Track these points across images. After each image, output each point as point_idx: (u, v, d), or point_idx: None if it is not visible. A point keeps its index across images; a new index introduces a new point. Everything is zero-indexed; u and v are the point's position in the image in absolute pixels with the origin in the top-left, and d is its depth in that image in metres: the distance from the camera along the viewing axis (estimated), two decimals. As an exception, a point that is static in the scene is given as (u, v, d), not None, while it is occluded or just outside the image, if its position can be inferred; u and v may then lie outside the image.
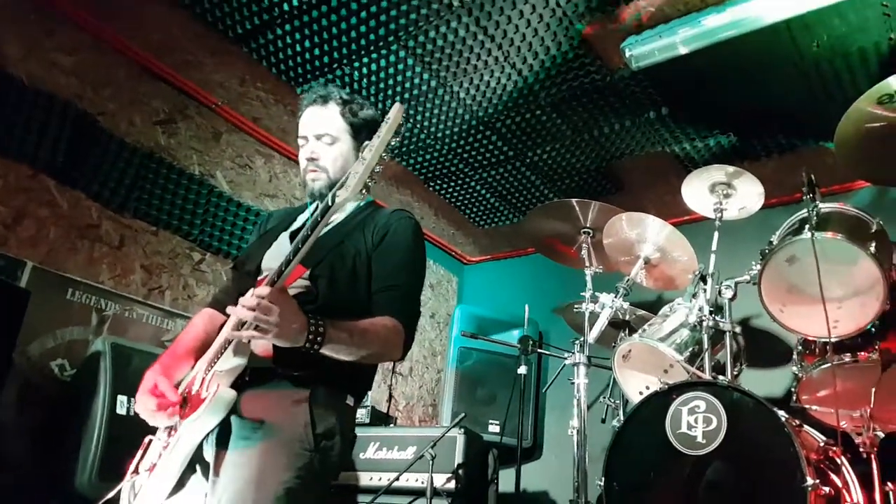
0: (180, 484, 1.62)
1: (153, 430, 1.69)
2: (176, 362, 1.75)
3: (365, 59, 3.18)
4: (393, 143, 1.47)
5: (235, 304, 1.77)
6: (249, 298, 1.45)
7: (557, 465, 3.97)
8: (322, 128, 1.87)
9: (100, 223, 3.08)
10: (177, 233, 3.37)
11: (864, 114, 2.41)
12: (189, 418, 1.56)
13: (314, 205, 1.93)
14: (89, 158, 3.03)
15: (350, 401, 1.72)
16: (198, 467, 1.63)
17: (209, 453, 1.60)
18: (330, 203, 1.47)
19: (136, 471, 1.67)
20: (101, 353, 2.62)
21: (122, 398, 2.54)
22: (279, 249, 1.82)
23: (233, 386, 1.57)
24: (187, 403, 1.64)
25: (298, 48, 3.14)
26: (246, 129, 3.74)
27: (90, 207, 3.04)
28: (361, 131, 1.88)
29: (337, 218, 1.83)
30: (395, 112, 1.49)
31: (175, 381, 1.69)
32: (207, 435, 1.60)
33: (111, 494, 1.68)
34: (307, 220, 1.84)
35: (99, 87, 3.11)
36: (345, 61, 3.20)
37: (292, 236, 1.83)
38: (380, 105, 3.48)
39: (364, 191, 1.46)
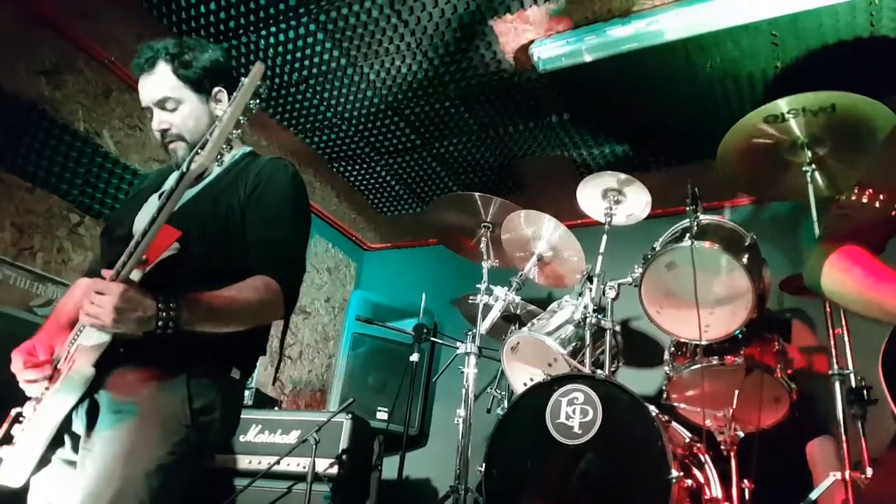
0: (46, 458, 1.52)
1: (21, 402, 1.57)
2: (58, 331, 1.63)
3: (273, 29, 3.08)
4: (251, 105, 1.38)
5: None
6: (86, 295, 1.38)
7: (442, 453, 4.01)
8: (159, 93, 1.70)
9: (-31, 175, 2.82)
10: (55, 191, 3.14)
11: (749, 130, 2.59)
12: (48, 392, 1.48)
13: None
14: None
15: (235, 373, 1.63)
16: (67, 441, 1.52)
17: (80, 427, 1.50)
18: (185, 170, 1.39)
19: (0, 443, 1.54)
20: (-39, 315, 2.41)
21: (-21, 363, 2.34)
22: (149, 211, 1.68)
23: (105, 359, 1.46)
24: (54, 374, 1.53)
25: (202, 9, 2.99)
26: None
27: (-41, 157, 2.79)
28: (203, 81, 1.73)
29: (211, 172, 1.73)
30: (255, 72, 1.40)
31: (54, 348, 1.59)
32: (76, 408, 1.49)
33: None
34: (177, 180, 1.75)
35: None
36: (251, 28, 3.08)
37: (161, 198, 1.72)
38: (285, 77, 3.38)
39: (222, 151, 1.39)
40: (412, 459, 3.56)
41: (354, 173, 4.27)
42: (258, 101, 1.39)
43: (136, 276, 1.44)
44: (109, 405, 1.47)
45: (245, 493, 2.90)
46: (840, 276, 1.30)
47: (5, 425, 1.57)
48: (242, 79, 1.39)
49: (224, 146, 1.38)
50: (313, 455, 2.86)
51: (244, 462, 3.02)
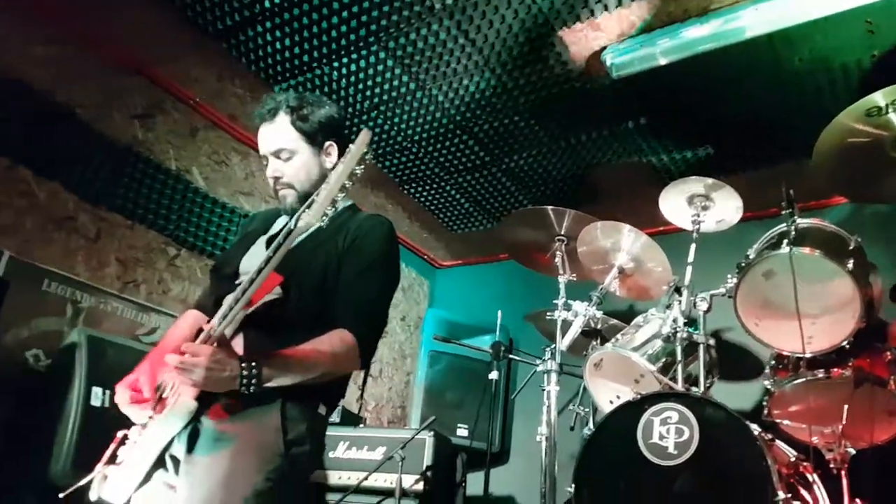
0: (148, 477, 1.62)
1: (128, 424, 1.69)
2: (163, 361, 1.72)
3: (344, 59, 3.14)
4: (357, 171, 1.45)
5: (215, 308, 1.76)
6: (176, 356, 1.47)
7: (524, 471, 3.97)
8: (276, 143, 1.82)
9: (76, 215, 3.05)
10: (152, 227, 3.34)
11: (846, 128, 2.41)
12: (154, 420, 1.59)
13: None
14: (67, 151, 3.01)
15: (322, 410, 1.71)
16: (168, 463, 1.61)
17: (180, 451, 1.59)
18: (293, 227, 1.46)
19: (107, 462, 1.67)
20: (77, 344, 2.61)
21: (96, 390, 2.53)
22: (256, 252, 1.80)
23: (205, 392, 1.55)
24: (159, 404, 1.64)
25: (278, 46, 3.09)
26: (223, 125, 3.69)
27: (67, 200, 3.02)
28: (317, 135, 1.85)
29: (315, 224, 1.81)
30: (361, 139, 1.46)
31: (160, 378, 1.70)
32: (178, 434, 1.59)
33: (81, 483, 1.69)
34: (281, 229, 1.83)
35: (77, 80, 3.06)
36: (324, 61, 3.15)
37: (269, 242, 1.81)
38: (357, 106, 3.44)
39: (327, 212, 1.45)
40: (495, 476, 3.54)
41: (424, 193, 4.29)
42: (363, 167, 1.45)
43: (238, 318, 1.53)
44: (210, 432, 1.55)
45: (337, 507, 2.95)
46: None
47: (112, 446, 1.69)
48: (350, 145, 1.45)
49: (329, 207, 1.44)
50: (400, 471, 2.90)
51: (334, 478, 3.10)
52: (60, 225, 2.98)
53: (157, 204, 3.34)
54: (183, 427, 1.56)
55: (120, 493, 1.61)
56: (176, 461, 1.59)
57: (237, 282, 1.77)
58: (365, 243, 1.75)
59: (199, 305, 1.93)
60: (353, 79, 3.25)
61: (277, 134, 1.82)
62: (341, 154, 1.85)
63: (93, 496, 1.65)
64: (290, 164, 1.81)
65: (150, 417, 1.61)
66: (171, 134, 3.46)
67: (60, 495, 1.74)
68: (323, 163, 1.85)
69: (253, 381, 1.48)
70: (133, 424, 1.67)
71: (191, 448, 1.56)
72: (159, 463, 1.61)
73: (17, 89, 2.81)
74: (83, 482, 1.68)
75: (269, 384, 1.52)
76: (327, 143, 1.86)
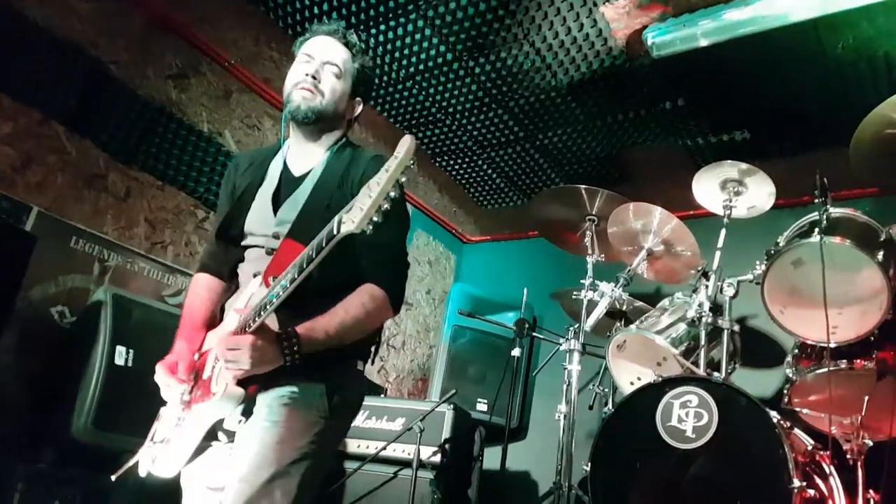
0: (199, 450, 1.68)
1: (151, 384, 1.72)
2: (197, 333, 1.80)
3: (382, 27, 3.14)
4: (401, 180, 1.39)
5: (226, 272, 1.84)
6: (222, 346, 1.55)
7: (542, 447, 4.00)
8: (335, 57, 1.82)
9: (107, 174, 3.06)
10: (182, 189, 3.35)
11: (885, 119, 2.38)
12: (200, 405, 1.64)
13: (286, 144, 1.89)
14: (100, 108, 3.00)
15: (360, 365, 1.76)
16: (219, 434, 1.66)
17: (232, 424, 1.64)
18: (335, 232, 1.41)
19: (152, 439, 1.74)
20: (103, 302, 2.62)
21: (120, 349, 2.55)
22: (260, 213, 1.78)
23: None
24: (197, 383, 1.69)
25: (315, 11, 3.09)
26: (257, 89, 3.70)
27: (98, 157, 3.02)
28: (360, 85, 1.87)
29: (313, 170, 1.80)
30: (406, 147, 1.39)
31: (195, 353, 1.76)
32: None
33: (131, 462, 1.76)
34: (283, 169, 1.82)
35: (114, 37, 3.07)
36: (361, 27, 3.15)
37: (274, 199, 1.79)
38: (393, 75, 3.44)
39: (370, 225, 1.38)
40: (512, 452, 3.57)
41: (456, 167, 4.29)
42: (406, 178, 1.39)
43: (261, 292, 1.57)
44: (261, 399, 1.60)
45: (354, 475, 3.02)
46: None
47: (156, 424, 1.77)
48: (396, 152, 1.39)
49: (376, 215, 1.38)
50: (418, 442, 2.94)
51: (353, 446, 3.14)
52: (90, 183, 2.99)
53: (188, 166, 3.34)
54: (232, 410, 1.61)
55: (170, 469, 1.68)
56: (229, 433, 1.65)
57: (243, 243, 1.79)
58: None
59: (207, 268, 1.92)
60: (389, 46, 3.25)
61: (339, 53, 1.83)
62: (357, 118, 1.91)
63: (142, 471, 1.73)
64: (335, 80, 1.81)
65: (188, 397, 1.68)
66: (205, 96, 3.47)
67: (112, 477, 1.81)
68: (347, 109, 1.86)
69: (296, 355, 1.54)
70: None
71: (244, 413, 1.62)
72: (212, 434, 1.66)
73: (52, 44, 2.81)
74: (132, 462, 1.75)
75: (310, 352, 1.56)
76: (358, 98, 1.89)
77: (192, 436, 1.65)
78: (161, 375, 1.69)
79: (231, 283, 1.85)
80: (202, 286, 1.90)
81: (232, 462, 1.56)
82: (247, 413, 1.61)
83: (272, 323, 1.59)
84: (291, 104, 1.78)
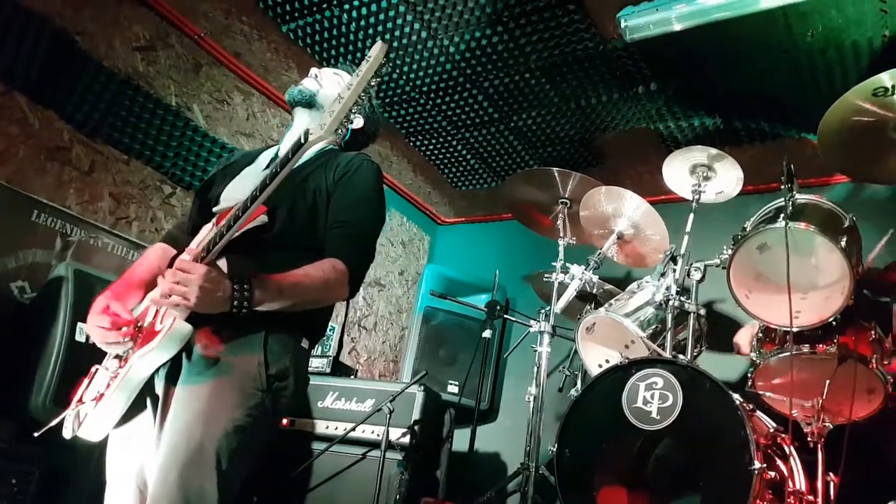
0: (127, 416, 1.60)
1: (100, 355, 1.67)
2: (127, 290, 1.73)
3: (355, 3, 3.08)
4: (373, 84, 1.45)
5: (190, 235, 1.77)
6: (170, 272, 1.46)
7: (511, 429, 4.04)
8: (340, 72, 1.98)
9: (71, 146, 2.99)
10: (149, 163, 3.28)
11: (852, 107, 2.41)
12: (141, 350, 1.54)
13: (284, 140, 1.91)
14: (65, 79, 2.92)
15: (305, 343, 1.71)
16: (147, 400, 1.60)
17: (159, 387, 1.59)
18: (303, 140, 1.44)
19: (80, 400, 1.65)
20: (64, 278, 2.57)
21: (81, 325, 2.49)
22: (242, 183, 1.79)
23: (187, 321, 1.53)
24: (140, 334, 1.62)
25: (288, -16, 3.03)
26: (227, 63, 3.62)
27: (62, 129, 2.95)
28: (362, 104, 1.89)
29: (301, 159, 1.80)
30: (377, 51, 1.45)
31: (127, 308, 1.67)
32: (158, 369, 1.57)
33: (55, 422, 1.66)
34: (274, 156, 1.84)
35: (80, 6, 2.98)
36: (334, 2, 3.10)
37: (269, 166, 1.80)
38: (366, 51, 3.31)
39: (339, 130, 1.45)
40: (482, 433, 3.60)
41: (431, 147, 4.26)
42: (378, 80, 1.46)
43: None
44: (191, 366, 1.54)
45: (322, 456, 3.01)
46: None
47: (85, 381, 1.68)
48: (367, 56, 1.45)
49: (343, 122, 1.45)
50: (387, 424, 2.93)
51: (322, 427, 3.13)
52: (54, 155, 2.91)
53: (155, 140, 3.26)
54: (176, 353, 1.54)
55: (98, 431, 1.60)
56: (155, 400, 1.58)
57: (214, 209, 1.76)
58: (356, 178, 1.76)
59: (171, 238, 1.91)
60: (363, 23, 3.19)
61: (343, 70, 1.99)
62: (356, 133, 1.98)
63: (66, 434, 1.63)
64: (334, 80, 1.92)
65: (130, 349, 1.59)
66: (174, 69, 3.39)
67: (35, 434, 1.71)
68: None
69: (245, 302, 1.47)
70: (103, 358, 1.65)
71: (171, 379, 1.56)
72: (141, 400, 1.59)
73: (15, 12, 2.73)
74: (56, 421, 1.65)
75: (260, 307, 1.51)
76: (357, 115, 1.92)
77: (124, 392, 1.56)
78: (95, 320, 1.60)
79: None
80: (154, 250, 1.88)
81: (158, 430, 1.52)
82: (175, 374, 1.55)
83: (223, 268, 1.54)
84: (288, 91, 1.92)
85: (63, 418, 1.65)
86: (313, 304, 1.66)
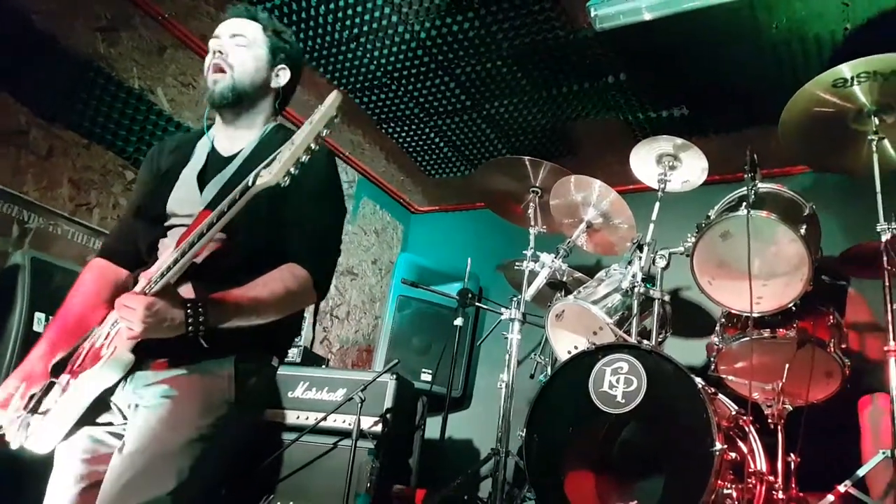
0: (74, 430, 1.57)
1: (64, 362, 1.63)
2: (64, 336, 1.67)
3: (324, -14, 3.05)
4: (324, 133, 1.34)
5: (139, 255, 1.71)
6: (117, 304, 1.43)
7: (484, 416, 4.07)
8: (240, 30, 1.74)
9: (28, 130, 2.90)
10: (110, 148, 3.20)
11: (813, 97, 2.47)
12: (84, 373, 1.53)
13: (211, 131, 1.81)
14: (21, 61, 2.82)
15: (275, 362, 1.68)
16: (113, 406, 1.58)
17: (123, 396, 1.56)
18: (249, 185, 1.35)
19: (28, 408, 1.59)
20: (20, 266, 2.50)
21: (39, 315, 2.44)
22: (185, 192, 1.69)
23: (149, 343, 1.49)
24: (87, 356, 1.59)
25: (256, -35, 2.99)
26: (192, 45, 3.54)
27: (18, 112, 2.85)
28: (278, 52, 1.77)
29: (243, 150, 1.72)
30: (331, 101, 1.35)
31: (67, 352, 1.63)
32: (121, 381, 1.54)
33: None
34: (210, 152, 1.74)
35: (35, -17, 2.88)
36: (304, -14, 3.06)
37: (200, 179, 1.70)
38: (336, 35, 3.35)
39: (286, 177, 1.33)
40: (454, 421, 3.61)
41: (403, 134, 4.24)
42: (329, 131, 1.35)
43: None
44: (154, 385, 1.51)
45: (293, 446, 2.99)
46: None
47: (38, 392, 1.62)
48: (320, 105, 1.35)
49: (293, 168, 1.33)
50: (359, 413, 2.93)
51: (292, 417, 3.10)
52: (10, 140, 2.82)
53: (117, 124, 3.17)
54: (119, 380, 1.52)
55: (45, 443, 1.56)
56: (118, 408, 1.56)
57: (166, 224, 1.68)
58: (310, 171, 1.55)
59: (109, 251, 1.80)
60: (332, 6, 3.16)
61: (245, 25, 1.75)
62: (289, 87, 1.81)
63: (13, 444, 1.58)
64: (242, 50, 1.71)
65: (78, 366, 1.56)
66: (137, 51, 3.30)
67: None
68: (269, 79, 1.76)
69: (200, 325, 1.43)
70: (62, 368, 1.61)
71: (138, 387, 1.53)
72: (87, 416, 1.56)
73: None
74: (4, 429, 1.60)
75: (221, 326, 1.47)
76: (282, 66, 1.78)
77: (71, 409, 1.54)
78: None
79: (145, 264, 1.68)
80: (89, 274, 1.76)
81: (120, 440, 1.49)
82: (139, 386, 1.52)
83: (188, 293, 1.50)
84: (208, 91, 1.72)
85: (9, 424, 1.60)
86: (277, 316, 1.58)
